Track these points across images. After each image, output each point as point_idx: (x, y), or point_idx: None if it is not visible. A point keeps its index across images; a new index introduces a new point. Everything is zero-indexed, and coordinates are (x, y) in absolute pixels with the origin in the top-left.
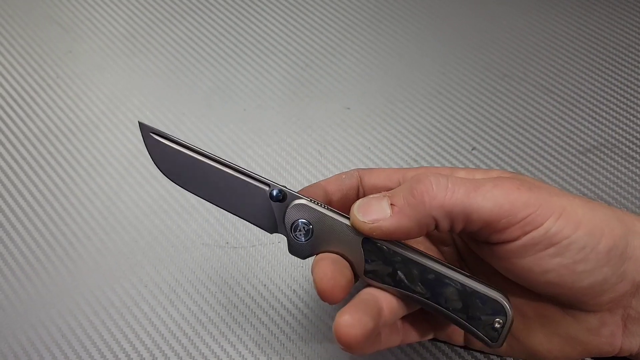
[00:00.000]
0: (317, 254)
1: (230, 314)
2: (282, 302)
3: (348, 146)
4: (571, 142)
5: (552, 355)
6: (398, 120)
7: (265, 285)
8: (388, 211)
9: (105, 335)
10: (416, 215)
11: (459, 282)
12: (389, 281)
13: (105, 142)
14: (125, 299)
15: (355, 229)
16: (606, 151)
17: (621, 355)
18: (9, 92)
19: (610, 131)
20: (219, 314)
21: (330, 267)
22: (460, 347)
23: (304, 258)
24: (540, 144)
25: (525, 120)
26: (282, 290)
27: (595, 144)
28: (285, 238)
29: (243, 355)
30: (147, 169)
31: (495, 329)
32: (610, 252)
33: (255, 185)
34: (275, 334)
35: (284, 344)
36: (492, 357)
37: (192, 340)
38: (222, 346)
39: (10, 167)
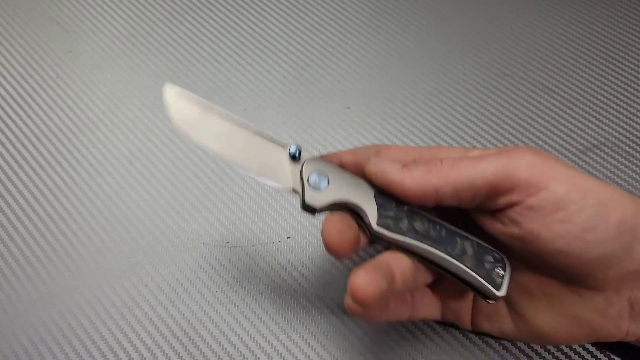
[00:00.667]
0: (329, 211)
1: (231, 313)
2: (282, 302)
3: (348, 146)
4: (571, 141)
5: (559, 337)
6: (398, 119)
7: (265, 284)
8: (398, 166)
9: (106, 334)
10: (420, 181)
11: (462, 234)
12: (400, 230)
13: (105, 141)
14: (125, 298)
15: (368, 176)
16: (606, 150)
17: (628, 339)
18: (9, 92)
19: (610, 130)
20: (219, 313)
21: (339, 222)
22: (469, 331)
23: (314, 213)
24: (540, 142)
25: (525, 119)
26: (282, 289)
27: (595, 142)
28: (299, 196)
29: (244, 355)
30: (147, 169)
31: (499, 276)
32: (620, 226)
33: (273, 145)
34: (275, 334)
35: (284, 344)
36: (502, 342)
37: (193, 339)
38: (223, 346)
39: (11, 167)
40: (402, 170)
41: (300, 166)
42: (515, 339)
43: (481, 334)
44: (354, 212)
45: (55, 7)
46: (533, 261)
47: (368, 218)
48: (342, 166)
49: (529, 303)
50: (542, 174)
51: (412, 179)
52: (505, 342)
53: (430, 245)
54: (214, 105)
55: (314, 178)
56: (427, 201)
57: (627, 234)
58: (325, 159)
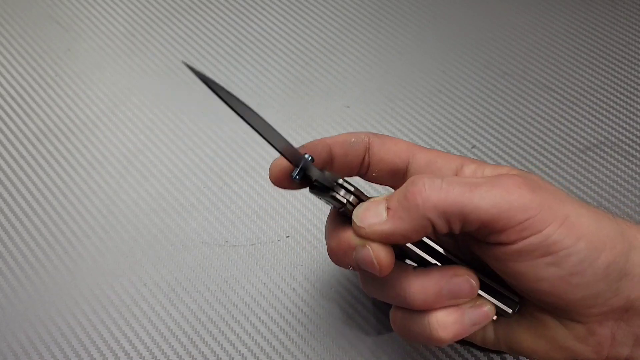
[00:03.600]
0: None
1: (230, 312)
2: (282, 301)
3: None
4: (571, 140)
5: (536, 355)
6: (398, 118)
7: (264, 283)
8: (384, 215)
9: (104, 334)
10: (410, 218)
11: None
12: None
13: (104, 140)
14: (124, 297)
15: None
16: (606, 149)
17: None
18: (8, 91)
19: (610, 129)
20: (218, 312)
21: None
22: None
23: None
24: (540, 142)
25: (525, 118)
26: (281, 289)
27: (595, 141)
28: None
29: (243, 354)
30: (146, 168)
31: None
32: (608, 268)
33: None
34: (275, 333)
35: (283, 343)
36: (474, 350)
37: (192, 339)
38: (222, 345)
39: (10, 166)
40: (389, 217)
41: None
42: (495, 348)
43: (463, 342)
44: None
45: (54, 5)
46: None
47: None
48: (330, 157)
49: (512, 318)
50: (539, 216)
51: (402, 223)
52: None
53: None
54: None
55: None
56: (426, 234)
57: (615, 274)
58: (311, 149)
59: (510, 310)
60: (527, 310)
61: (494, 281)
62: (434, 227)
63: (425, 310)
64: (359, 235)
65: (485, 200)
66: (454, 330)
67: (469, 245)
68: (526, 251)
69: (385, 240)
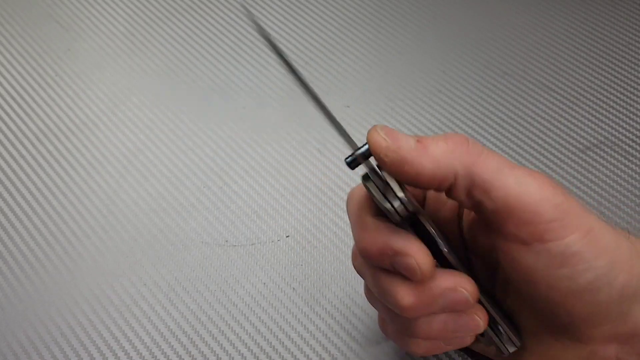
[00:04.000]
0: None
1: (230, 312)
2: (282, 301)
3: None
4: (571, 140)
5: None
6: (398, 118)
7: (264, 283)
8: (412, 143)
9: (104, 334)
10: (439, 161)
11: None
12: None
13: (104, 140)
14: (124, 297)
15: (371, 149)
16: (606, 149)
17: None
18: (8, 91)
19: (610, 129)
20: (218, 312)
21: None
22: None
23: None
24: (540, 141)
25: (525, 118)
26: (281, 288)
27: (595, 141)
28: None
29: (243, 354)
30: (146, 167)
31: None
32: (623, 290)
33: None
34: (275, 333)
35: (283, 343)
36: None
37: (192, 339)
38: (222, 345)
39: (10, 166)
40: (418, 147)
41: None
42: (495, 358)
43: (464, 351)
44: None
45: (54, 5)
46: (518, 293)
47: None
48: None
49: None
50: (565, 221)
51: (431, 160)
52: None
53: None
54: None
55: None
56: (440, 187)
57: (628, 297)
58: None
59: (507, 352)
60: (529, 324)
61: (499, 310)
62: (451, 188)
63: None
64: (378, 147)
65: (519, 184)
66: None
67: (479, 239)
68: (544, 256)
69: (400, 168)
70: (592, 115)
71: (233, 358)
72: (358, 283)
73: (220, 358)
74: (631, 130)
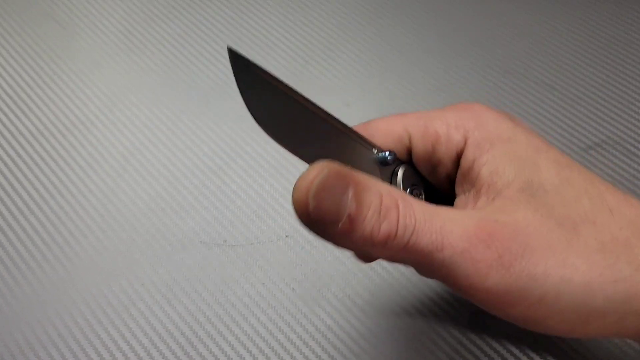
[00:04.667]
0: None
1: (229, 313)
2: (281, 301)
3: None
4: (573, 139)
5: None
6: None
7: (263, 283)
8: (343, 213)
9: (102, 334)
10: (364, 247)
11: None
12: None
13: (102, 139)
14: (122, 297)
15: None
16: (608, 148)
17: None
18: (4, 89)
19: (612, 128)
20: (216, 313)
21: None
22: None
23: None
24: None
25: (526, 117)
26: (281, 289)
27: (597, 141)
28: None
29: (241, 355)
30: (144, 167)
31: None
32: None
33: (361, 146)
34: (274, 334)
35: (282, 344)
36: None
37: (190, 339)
38: (220, 346)
39: (6, 165)
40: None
41: (389, 172)
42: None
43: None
44: None
45: (52, 3)
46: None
47: None
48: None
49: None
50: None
51: (351, 242)
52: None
53: None
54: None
55: (412, 192)
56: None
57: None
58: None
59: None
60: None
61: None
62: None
63: None
64: (300, 213)
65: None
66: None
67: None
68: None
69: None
70: (594, 114)
71: (231, 359)
72: (358, 283)
73: (219, 359)
74: (634, 129)
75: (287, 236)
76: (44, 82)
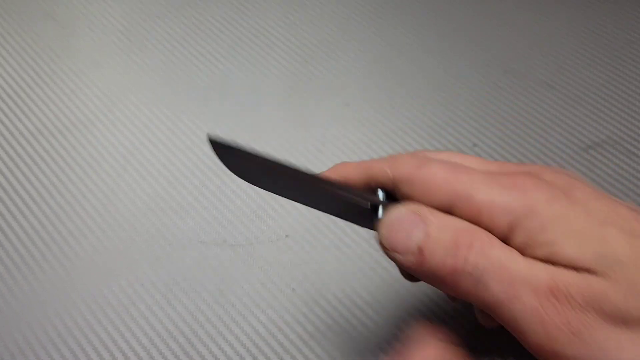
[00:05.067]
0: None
1: (228, 313)
2: (280, 301)
3: (347, 143)
4: (573, 139)
5: None
6: (398, 116)
7: (263, 283)
8: (414, 245)
9: (101, 334)
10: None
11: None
12: None
13: (101, 139)
14: (121, 297)
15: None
16: (608, 148)
17: None
18: (3, 89)
19: (612, 128)
20: (216, 313)
21: None
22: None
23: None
24: (542, 140)
25: (526, 116)
26: (280, 289)
27: (597, 140)
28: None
29: (241, 355)
30: (143, 166)
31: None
32: None
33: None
34: (273, 334)
35: (282, 344)
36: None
37: (190, 339)
38: (220, 346)
39: (6, 165)
40: (415, 255)
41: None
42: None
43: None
44: None
45: (51, 2)
46: None
47: None
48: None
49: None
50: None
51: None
52: None
53: None
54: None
55: None
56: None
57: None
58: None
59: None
60: None
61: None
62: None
63: None
64: (382, 244)
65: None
66: None
67: None
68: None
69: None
70: (594, 114)
71: (231, 359)
72: (358, 284)
73: (219, 359)
74: (634, 129)
75: (287, 236)
76: (43, 82)
